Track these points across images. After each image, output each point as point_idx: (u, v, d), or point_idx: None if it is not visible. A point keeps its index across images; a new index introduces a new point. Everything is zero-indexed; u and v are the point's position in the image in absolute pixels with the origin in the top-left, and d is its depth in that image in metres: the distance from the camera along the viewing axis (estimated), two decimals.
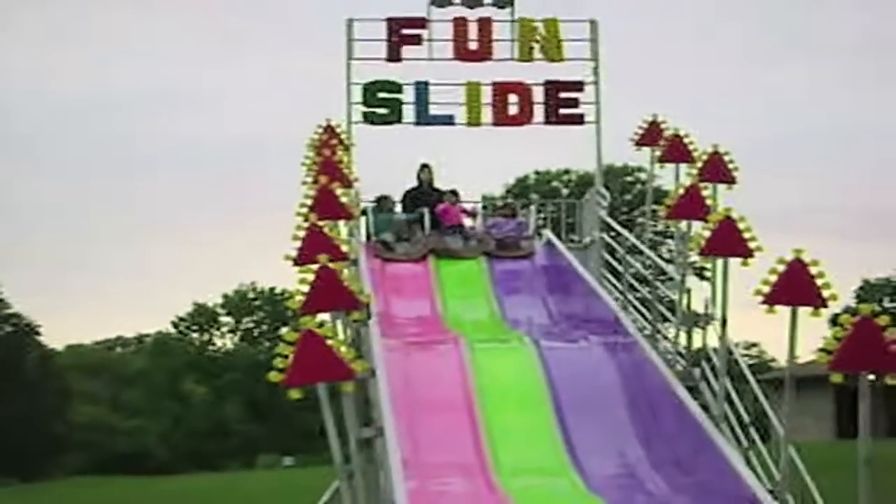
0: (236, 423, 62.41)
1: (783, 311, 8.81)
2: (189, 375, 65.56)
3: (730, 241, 10.13)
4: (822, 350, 7.95)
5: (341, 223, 11.45)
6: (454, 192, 16.23)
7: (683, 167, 12.99)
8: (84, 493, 38.10)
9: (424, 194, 16.15)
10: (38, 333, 57.00)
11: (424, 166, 16.42)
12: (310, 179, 11.79)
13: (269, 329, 68.26)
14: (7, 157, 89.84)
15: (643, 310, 13.95)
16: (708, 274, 11.94)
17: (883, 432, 37.51)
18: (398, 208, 16.07)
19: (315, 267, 9.04)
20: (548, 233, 16.25)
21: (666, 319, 13.42)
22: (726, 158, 11.96)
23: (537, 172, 58.25)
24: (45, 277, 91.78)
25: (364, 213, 15.65)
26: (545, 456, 10.49)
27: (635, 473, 10.15)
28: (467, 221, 16.15)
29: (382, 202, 15.99)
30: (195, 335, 69.67)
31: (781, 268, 8.72)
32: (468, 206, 16.38)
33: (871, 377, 8.02)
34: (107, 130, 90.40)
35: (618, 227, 15.23)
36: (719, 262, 10.59)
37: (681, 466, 9.96)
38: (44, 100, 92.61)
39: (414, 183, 16.37)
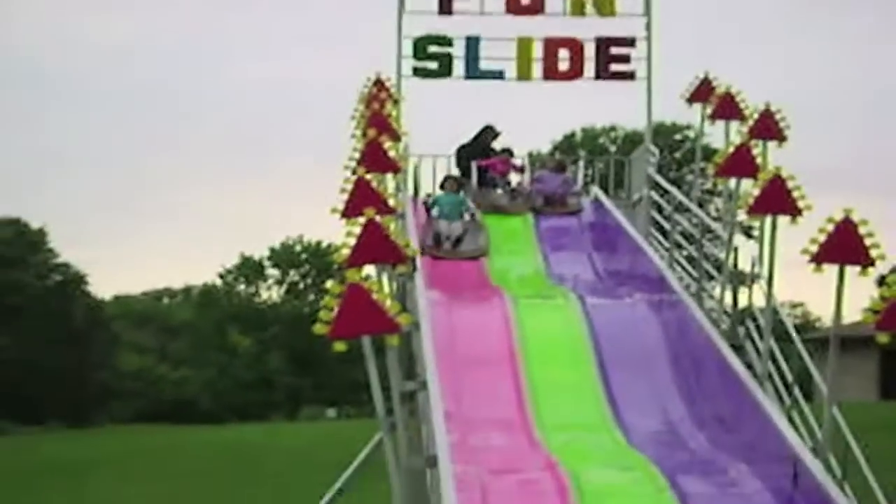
0: (280, 374, 62.87)
1: (831, 270, 8.76)
2: (234, 327, 66.07)
3: (779, 200, 10.06)
4: (868, 310, 7.90)
5: (389, 176, 11.46)
6: (509, 151, 16.19)
7: (734, 125, 12.90)
8: (130, 440, 38.60)
9: (477, 151, 16.15)
10: (86, 283, 57.61)
11: (490, 129, 16.40)
12: (358, 133, 11.80)
13: (314, 282, 68.57)
14: (57, 110, 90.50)
15: (689, 268, 13.91)
16: (755, 233, 11.87)
17: None
18: (462, 192, 14.86)
19: (361, 220, 9.06)
20: (595, 189, 16.20)
21: (712, 278, 13.38)
22: (777, 116, 11.87)
23: (584, 130, 58.02)
24: (93, 228, 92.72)
25: (430, 205, 14.62)
26: (587, 412, 10.52)
27: (677, 430, 10.16)
28: (514, 177, 16.11)
29: (448, 183, 14.91)
30: (241, 287, 70.10)
31: (830, 227, 8.66)
32: (517, 163, 16.32)
33: None
34: (155, 80, 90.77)
35: (666, 185, 15.15)
36: (767, 220, 10.52)
37: (723, 424, 9.95)
38: (90, 49, 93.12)
39: (467, 139, 16.37)
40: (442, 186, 15.01)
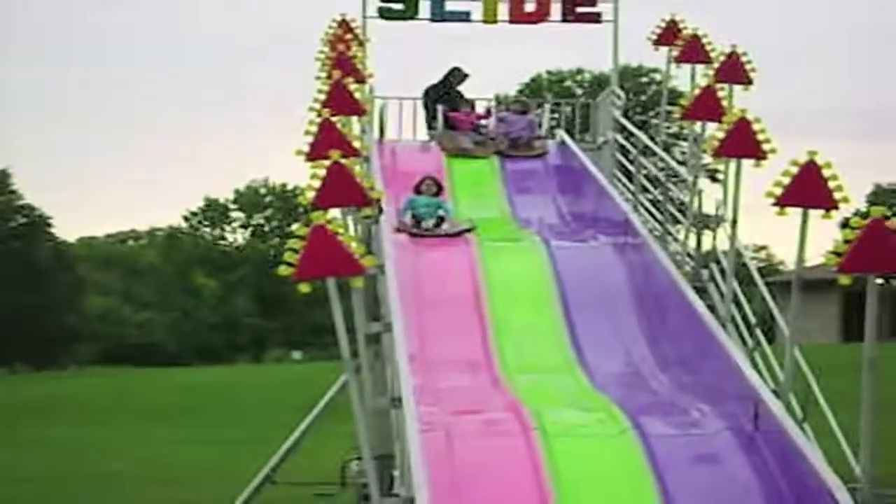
0: (246, 317, 62.87)
1: (794, 213, 8.81)
2: (200, 269, 65.93)
3: (743, 143, 10.09)
4: (831, 253, 7.96)
5: (354, 119, 11.41)
6: (470, 103, 16.11)
7: (700, 68, 12.90)
8: (95, 382, 38.59)
9: (446, 93, 16.08)
10: (50, 225, 57.26)
11: (458, 70, 16.31)
12: (323, 74, 11.72)
13: (280, 225, 68.43)
14: (22, 53, 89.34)
15: (654, 211, 13.96)
16: (720, 176, 11.93)
17: (888, 335, 37.79)
18: (445, 195, 13.35)
19: (327, 162, 9.04)
20: (561, 133, 16.17)
21: (677, 221, 13.44)
22: (744, 59, 11.87)
23: (549, 72, 57.92)
24: (57, 170, 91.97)
25: (402, 210, 12.84)
26: (551, 353, 10.59)
27: (640, 372, 10.25)
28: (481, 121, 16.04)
29: (425, 185, 13.19)
30: (206, 230, 69.88)
31: (794, 170, 8.70)
32: (481, 111, 16.24)
33: (880, 281, 8.04)
34: (113, 21, 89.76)
35: (632, 128, 15.15)
36: (732, 163, 10.56)
37: (686, 365, 10.04)
38: None
39: (433, 81, 16.29)
40: (418, 190, 13.11)
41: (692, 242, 12.06)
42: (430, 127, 16.08)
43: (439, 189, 13.22)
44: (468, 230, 12.63)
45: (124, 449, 25.26)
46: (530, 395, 9.41)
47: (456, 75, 16.32)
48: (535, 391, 9.57)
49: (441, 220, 12.70)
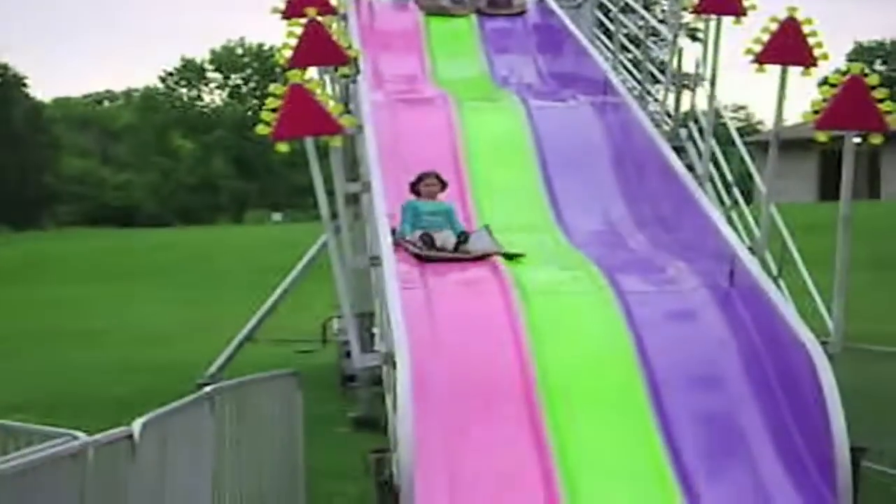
0: (225, 178, 62.70)
1: (773, 71, 8.79)
2: (177, 130, 65.50)
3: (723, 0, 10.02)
4: (810, 111, 7.97)
5: None
6: None
7: None
8: (76, 242, 38.63)
9: None
10: (25, 85, 56.65)
11: None
12: None
13: (257, 86, 67.81)
14: None
15: (634, 70, 13.89)
16: (700, 35, 11.84)
17: (864, 195, 38.07)
18: (442, 195, 10.21)
19: (303, 21, 8.93)
20: None
21: (656, 81, 13.39)
22: None
23: None
24: (32, 30, 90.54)
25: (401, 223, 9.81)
26: (530, 212, 10.63)
27: (618, 230, 10.31)
28: None
29: (425, 184, 10.20)
30: (183, 90, 69.23)
31: (774, 26, 8.65)
32: None
33: (857, 139, 8.07)
34: None
35: None
36: (712, 21, 10.49)
37: (663, 224, 10.09)
38: None
39: None
40: (415, 189, 10.20)
41: (671, 102, 12.03)
42: None
43: (443, 186, 10.28)
44: (502, 254, 9.40)
45: (106, 307, 25.44)
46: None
47: None
48: (513, 249, 9.61)
49: (463, 236, 9.65)
